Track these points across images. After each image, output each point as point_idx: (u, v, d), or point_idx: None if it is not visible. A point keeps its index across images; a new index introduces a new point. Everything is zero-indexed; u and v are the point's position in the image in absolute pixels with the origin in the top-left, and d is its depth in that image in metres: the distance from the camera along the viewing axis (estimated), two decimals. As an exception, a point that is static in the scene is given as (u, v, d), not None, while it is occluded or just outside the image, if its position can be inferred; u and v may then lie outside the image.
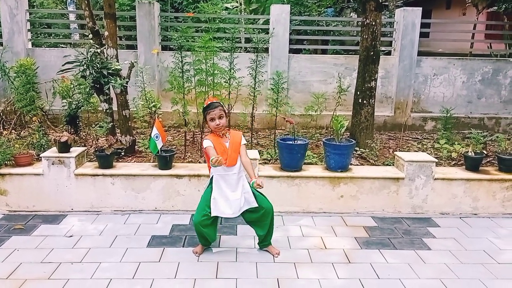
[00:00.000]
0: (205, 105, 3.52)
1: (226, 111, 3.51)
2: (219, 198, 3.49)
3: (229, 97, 5.63)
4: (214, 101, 3.49)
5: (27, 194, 4.57)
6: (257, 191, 3.59)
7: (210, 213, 3.49)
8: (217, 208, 3.50)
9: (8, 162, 4.62)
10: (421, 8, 7.46)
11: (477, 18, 10.04)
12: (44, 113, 6.41)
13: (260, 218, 3.63)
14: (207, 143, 3.43)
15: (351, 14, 12.47)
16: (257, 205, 3.54)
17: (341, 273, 3.47)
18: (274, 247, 3.78)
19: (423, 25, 7.51)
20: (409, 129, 7.51)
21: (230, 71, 5.57)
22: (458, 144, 5.47)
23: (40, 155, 4.61)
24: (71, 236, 4.03)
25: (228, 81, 5.57)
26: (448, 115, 6.52)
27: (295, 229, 4.28)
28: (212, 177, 3.55)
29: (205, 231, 3.57)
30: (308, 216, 4.59)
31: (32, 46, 7.66)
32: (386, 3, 11.65)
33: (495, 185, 4.71)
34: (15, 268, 3.44)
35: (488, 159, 5.37)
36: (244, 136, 3.62)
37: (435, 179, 4.66)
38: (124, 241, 3.95)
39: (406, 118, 7.54)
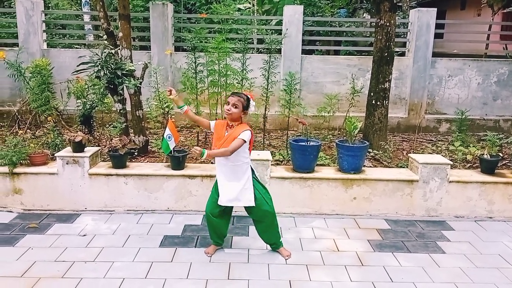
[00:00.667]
0: None
1: (246, 106, 3.48)
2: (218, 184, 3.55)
3: (241, 98, 5.63)
4: (244, 93, 3.56)
5: (41, 193, 4.63)
6: (261, 194, 3.55)
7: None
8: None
9: (23, 161, 4.69)
10: (436, 9, 7.37)
11: (493, 19, 9.87)
12: (59, 113, 6.48)
13: (259, 219, 3.65)
14: (211, 122, 3.65)
15: (364, 15, 12.41)
16: (254, 205, 3.52)
17: (354, 276, 3.44)
18: (286, 249, 3.77)
19: (437, 26, 7.42)
20: (423, 131, 7.43)
21: (243, 72, 5.58)
22: (473, 146, 5.39)
23: (55, 155, 4.67)
24: (84, 235, 4.07)
25: (241, 82, 5.58)
26: (463, 116, 6.42)
27: (307, 231, 4.26)
28: None
29: (215, 222, 3.62)
30: (320, 218, 4.57)
31: (47, 47, 7.75)
32: (400, 4, 11.56)
33: (511, 188, 4.63)
34: (29, 266, 3.48)
35: (504, 162, 5.27)
36: (249, 134, 3.42)
37: (450, 181, 4.60)
38: (136, 240, 3.97)
39: (420, 120, 7.46)
